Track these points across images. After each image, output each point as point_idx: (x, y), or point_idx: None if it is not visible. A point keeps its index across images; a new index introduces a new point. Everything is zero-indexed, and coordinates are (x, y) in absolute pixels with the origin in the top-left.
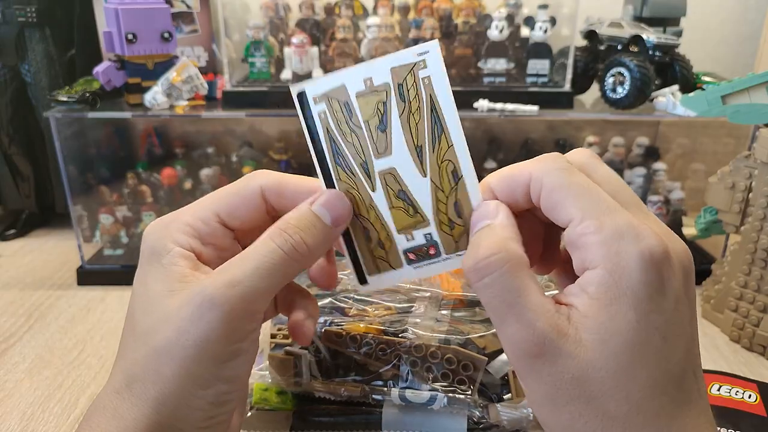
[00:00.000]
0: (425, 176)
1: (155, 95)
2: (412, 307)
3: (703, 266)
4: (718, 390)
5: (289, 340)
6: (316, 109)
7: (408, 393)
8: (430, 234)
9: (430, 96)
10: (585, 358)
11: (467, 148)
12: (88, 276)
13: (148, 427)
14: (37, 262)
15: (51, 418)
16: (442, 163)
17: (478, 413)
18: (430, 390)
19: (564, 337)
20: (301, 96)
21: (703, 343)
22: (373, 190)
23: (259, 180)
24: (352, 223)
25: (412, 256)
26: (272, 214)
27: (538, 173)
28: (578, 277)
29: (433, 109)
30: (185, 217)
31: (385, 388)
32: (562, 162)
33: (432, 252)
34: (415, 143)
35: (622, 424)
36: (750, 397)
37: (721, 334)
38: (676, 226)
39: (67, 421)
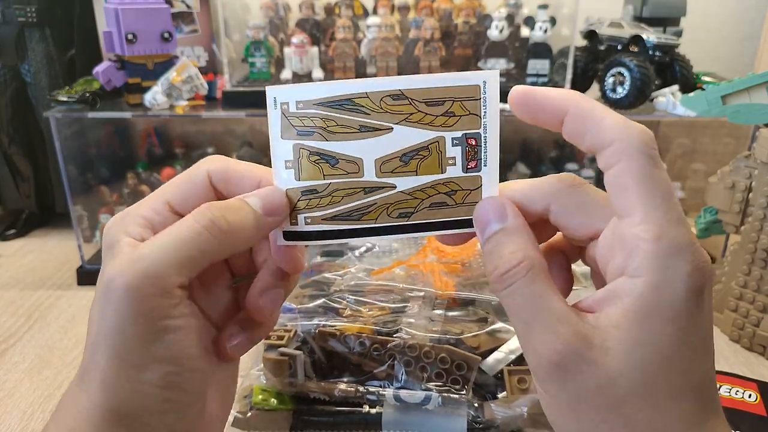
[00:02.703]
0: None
1: (155, 95)
2: (406, 306)
3: None
4: (718, 390)
5: (284, 341)
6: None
7: (403, 393)
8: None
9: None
10: (612, 367)
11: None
12: (88, 276)
13: (102, 415)
14: (37, 262)
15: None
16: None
17: (472, 413)
18: (424, 390)
19: (590, 346)
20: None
21: None
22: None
23: (207, 166)
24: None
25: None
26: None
27: (623, 146)
28: (604, 272)
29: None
30: (139, 209)
31: (380, 389)
32: (649, 144)
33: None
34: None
35: None
36: (750, 396)
37: (721, 334)
38: None
39: None
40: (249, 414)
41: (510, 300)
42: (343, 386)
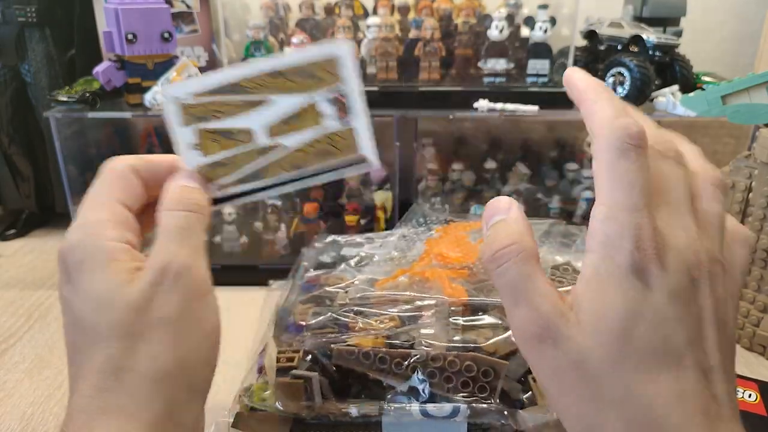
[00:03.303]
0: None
1: (155, 95)
2: (419, 316)
3: None
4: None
5: (294, 362)
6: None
7: (429, 407)
8: None
9: None
10: (582, 342)
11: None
12: None
13: (161, 408)
14: (38, 261)
15: (51, 418)
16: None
17: (503, 421)
18: (450, 401)
19: (565, 320)
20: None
21: None
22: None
23: (124, 162)
24: None
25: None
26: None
27: (602, 141)
28: None
29: None
30: (98, 215)
31: (405, 405)
32: (624, 139)
33: None
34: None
35: (617, 408)
36: (750, 396)
37: None
38: None
39: None
40: (248, 414)
41: (501, 279)
42: (366, 406)
